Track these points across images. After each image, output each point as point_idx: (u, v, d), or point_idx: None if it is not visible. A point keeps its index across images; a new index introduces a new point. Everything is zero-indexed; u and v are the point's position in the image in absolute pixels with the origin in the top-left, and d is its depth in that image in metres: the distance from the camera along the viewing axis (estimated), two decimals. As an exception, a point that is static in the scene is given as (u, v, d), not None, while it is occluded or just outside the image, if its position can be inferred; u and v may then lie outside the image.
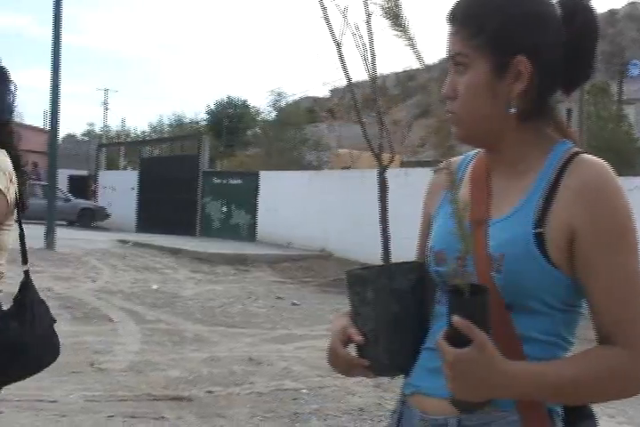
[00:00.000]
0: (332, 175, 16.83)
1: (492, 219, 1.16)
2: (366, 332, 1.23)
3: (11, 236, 2.11)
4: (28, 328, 2.04)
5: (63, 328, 6.80)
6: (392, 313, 1.24)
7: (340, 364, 1.26)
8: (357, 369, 1.25)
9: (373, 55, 1.35)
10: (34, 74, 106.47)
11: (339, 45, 1.32)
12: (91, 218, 22.86)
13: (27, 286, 2.12)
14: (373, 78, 1.39)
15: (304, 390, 5.22)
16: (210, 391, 5.02)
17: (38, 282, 7.79)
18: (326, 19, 1.31)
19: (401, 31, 1.13)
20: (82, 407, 4.47)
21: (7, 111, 2.15)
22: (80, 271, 10.88)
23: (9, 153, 2.11)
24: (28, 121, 31.34)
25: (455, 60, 1.18)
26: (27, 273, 2.11)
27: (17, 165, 2.13)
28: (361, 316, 1.25)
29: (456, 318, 1.01)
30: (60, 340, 2.22)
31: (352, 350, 1.26)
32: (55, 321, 2.22)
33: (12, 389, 4.67)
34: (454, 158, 1.31)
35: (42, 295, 7.16)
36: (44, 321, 2.14)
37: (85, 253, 12.88)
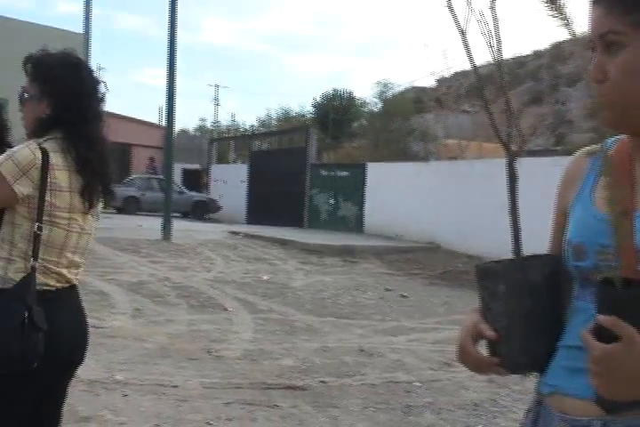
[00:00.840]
0: (440, 166, 16.55)
1: (637, 210, 1.09)
2: (498, 328, 1.19)
3: (60, 234, 2.09)
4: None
5: (181, 317, 7.12)
6: (525, 308, 1.20)
7: (469, 361, 1.22)
8: (489, 367, 1.21)
9: (499, 41, 1.30)
10: (151, 72, 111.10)
11: (463, 33, 1.28)
12: (203, 210, 23.62)
13: (25, 280, 2.06)
14: (499, 64, 1.34)
15: (416, 383, 5.18)
16: (323, 381, 5.08)
17: (157, 272, 8.13)
18: (450, 7, 1.27)
19: (555, 10, 1.08)
20: (200, 393, 4.63)
21: (71, 107, 2.14)
22: (195, 262, 11.28)
23: (77, 152, 2.12)
24: (144, 117, 32.75)
25: (606, 40, 1.09)
26: (33, 269, 2.05)
27: (84, 164, 2.13)
28: (492, 311, 1.21)
29: (603, 313, 0.96)
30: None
31: (483, 347, 1.23)
32: (38, 328, 2.03)
33: (138, 374, 4.92)
34: (596, 145, 1.24)
35: (160, 285, 7.45)
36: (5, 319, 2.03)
37: (199, 244, 13.33)
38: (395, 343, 6.54)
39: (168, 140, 14.55)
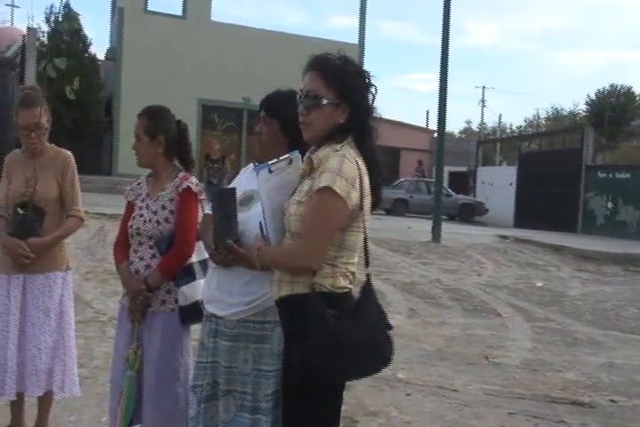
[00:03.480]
0: None
1: None
2: None
3: (359, 237, 2.14)
4: (361, 330, 2.04)
5: (455, 320, 7.10)
6: None
7: None
8: None
9: None
10: (414, 77, 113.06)
11: None
12: (470, 213, 23.37)
13: (367, 289, 2.12)
14: None
15: None
16: (613, 400, 4.71)
17: (428, 273, 8.19)
18: None
19: None
20: (482, 400, 4.55)
21: (366, 113, 2.20)
22: (465, 265, 11.18)
23: (366, 155, 2.16)
24: (410, 121, 33.38)
25: None
26: (368, 276, 2.11)
27: (373, 167, 2.17)
28: None
29: None
30: (391, 346, 2.11)
31: None
32: (391, 328, 2.15)
33: (418, 374, 4.99)
34: None
35: (432, 286, 7.50)
36: (378, 326, 2.11)
37: (468, 247, 13.20)
38: (695, 366, 5.85)
39: (439, 144, 14.59)
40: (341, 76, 2.18)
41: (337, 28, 78.68)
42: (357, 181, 2.08)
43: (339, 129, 2.18)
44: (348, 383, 4.39)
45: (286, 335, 2.20)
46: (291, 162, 2.27)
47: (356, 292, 2.15)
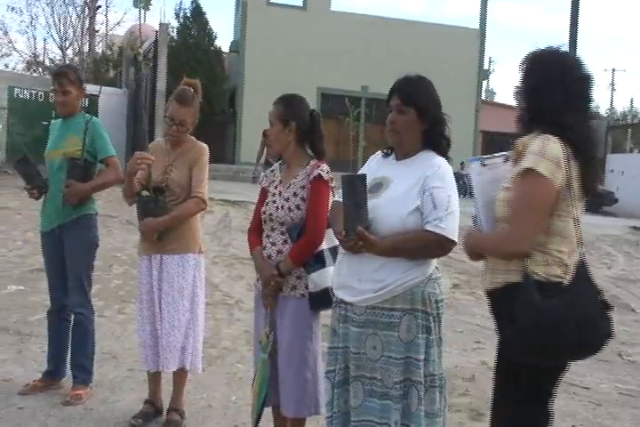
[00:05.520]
0: None
1: None
2: None
3: (569, 224, 2.07)
4: (569, 309, 1.98)
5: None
6: None
7: None
8: None
9: None
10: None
11: None
12: (598, 202, 22.24)
13: (580, 266, 2.07)
14: None
15: None
16: None
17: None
18: None
19: None
20: (616, 400, 4.33)
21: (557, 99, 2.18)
22: (593, 257, 10.65)
23: (576, 138, 2.10)
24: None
25: None
26: (581, 255, 2.07)
27: (578, 150, 2.11)
28: None
29: None
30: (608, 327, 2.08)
31: None
32: (609, 306, 2.11)
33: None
34: None
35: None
36: (590, 304, 2.04)
37: (596, 239, 12.59)
38: None
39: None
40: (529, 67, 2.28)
41: (456, 13, 76.90)
42: (563, 161, 2.04)
43: (542, 113, 2.18)
44: (470, 375, 4.28)
45: (498, 325, 2.18)
46: (507, 160, 2.28)
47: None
